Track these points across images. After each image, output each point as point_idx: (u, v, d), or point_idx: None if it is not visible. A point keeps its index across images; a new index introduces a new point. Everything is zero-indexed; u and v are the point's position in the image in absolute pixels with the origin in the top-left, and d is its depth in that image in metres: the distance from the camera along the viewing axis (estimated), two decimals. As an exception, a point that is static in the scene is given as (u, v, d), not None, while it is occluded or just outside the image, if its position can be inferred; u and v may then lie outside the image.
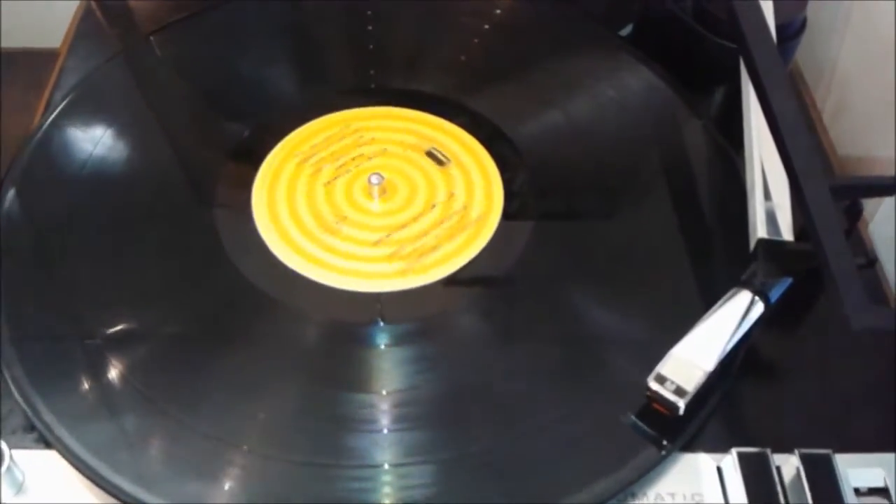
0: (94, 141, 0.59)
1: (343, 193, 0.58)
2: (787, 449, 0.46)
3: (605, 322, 0.52)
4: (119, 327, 0.50)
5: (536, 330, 0.52)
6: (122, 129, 0.60)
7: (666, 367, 0.46)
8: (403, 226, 0.57)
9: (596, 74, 0.65)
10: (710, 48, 0.62)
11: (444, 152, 0.60)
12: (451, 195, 0.58)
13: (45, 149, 0.59)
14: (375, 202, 0.58)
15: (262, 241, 0.55)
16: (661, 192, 0.58)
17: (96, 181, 0.57)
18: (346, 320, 0.52)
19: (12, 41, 0.93)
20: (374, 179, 0.57)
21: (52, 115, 0.60)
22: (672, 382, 0.45)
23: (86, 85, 0.63)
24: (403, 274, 0.54)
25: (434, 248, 0.55)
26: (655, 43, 0.66)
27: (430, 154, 0.60)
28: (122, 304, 0.51)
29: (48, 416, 0.46)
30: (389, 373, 0.49)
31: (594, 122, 0.62)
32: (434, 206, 0.58)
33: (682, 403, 0.45)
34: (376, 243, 0.55)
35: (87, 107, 0.61)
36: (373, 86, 0.65)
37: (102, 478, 0.43)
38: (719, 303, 0.48)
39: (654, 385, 0.46)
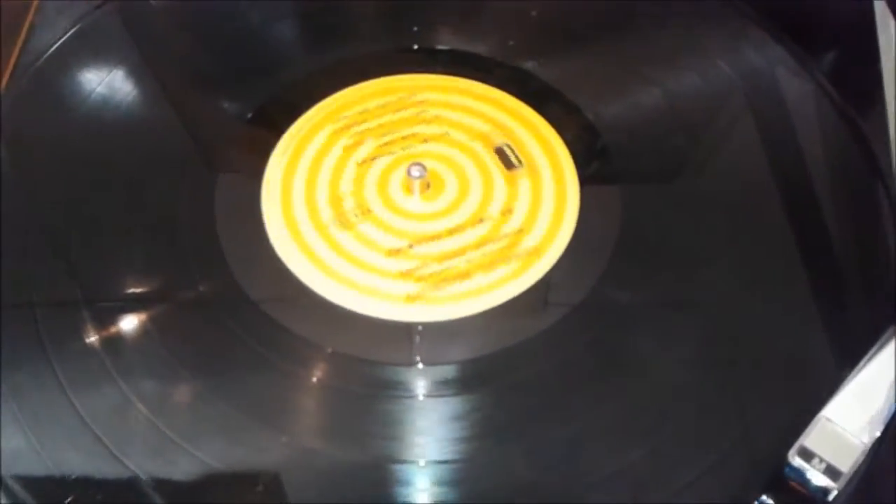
0: (84, 95, 0.51)
1: (377, 180, 0.47)
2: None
3: (712, 367, 0.40)
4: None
5: (621, 384, 0.40)
6: (115, 84, 0.51)
7: (812, 437, 0.35)
8: (434, 238, 0.45)
9: (700, 38, 0.53)
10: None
11: (518, 153, 0.48)
12: (507, 211, 0.46)
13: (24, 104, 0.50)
14: (415, 198, 0.47)
15: (266, 232, 0.45)
16: (772, 185, 0.47)
17: (73, 144, 0.49)
18: (346, 352, 0.41)
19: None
20: (415, 172, 0.46)
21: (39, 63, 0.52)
22: (821, 460, 0.35)
23: (73, 35, 0.54)
24: (412, 299, 0.43)
25: (464, 275, 0.44)
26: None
27: (499, 151, 0.48)
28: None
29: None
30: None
31: (693, 102, 0.50)
32: (482, 220, 0.46)
33: (835, 488, 0.34)
34: (393, 252, 0.44)
35: (75, 58, 0.52)
36: (443, 47, 0.53)
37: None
38: (874, 349, 0.37)
39: (797, 462, 0.35)
